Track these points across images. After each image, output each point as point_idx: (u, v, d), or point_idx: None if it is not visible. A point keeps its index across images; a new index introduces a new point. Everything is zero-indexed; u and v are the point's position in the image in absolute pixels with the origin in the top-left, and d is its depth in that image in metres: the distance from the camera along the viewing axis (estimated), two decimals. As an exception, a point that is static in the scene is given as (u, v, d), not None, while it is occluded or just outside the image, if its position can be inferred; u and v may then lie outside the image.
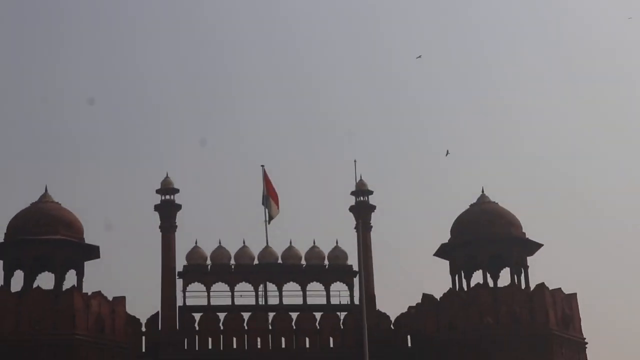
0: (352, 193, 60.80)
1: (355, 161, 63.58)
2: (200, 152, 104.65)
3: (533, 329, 55.41)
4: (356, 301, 57.67)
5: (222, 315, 57.67)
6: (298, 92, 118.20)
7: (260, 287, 58.73)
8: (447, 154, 67.87)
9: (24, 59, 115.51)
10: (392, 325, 59.61)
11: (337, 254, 59.70)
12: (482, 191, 61.21)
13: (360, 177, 61.17)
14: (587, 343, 57.86)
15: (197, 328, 56.87)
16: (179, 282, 57.84)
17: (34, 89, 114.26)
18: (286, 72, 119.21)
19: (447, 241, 60.02)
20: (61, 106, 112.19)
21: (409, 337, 59.21)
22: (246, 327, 57.10)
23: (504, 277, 59.12)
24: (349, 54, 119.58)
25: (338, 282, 59.60)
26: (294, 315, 58.30)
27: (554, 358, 54.63)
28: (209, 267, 58.64)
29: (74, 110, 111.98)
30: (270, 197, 60.03)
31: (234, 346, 57.05)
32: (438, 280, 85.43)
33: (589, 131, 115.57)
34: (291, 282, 59.24)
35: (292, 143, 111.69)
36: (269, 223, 59.79)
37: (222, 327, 56.98)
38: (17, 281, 56.01)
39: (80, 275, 56.19)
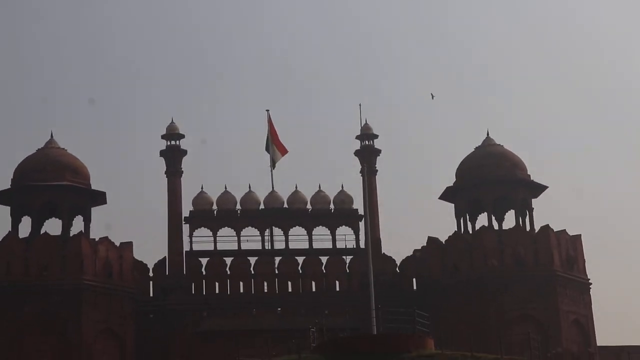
0: (357, 137, 60.85)
1: (360, 105, 63.92)
2: (205, 97, 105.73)
3: (537, 271, 56.12)
4: (362, 245, 58.64)
5: (228, 260, 58.32)
6: (303, 36, 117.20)
7: (267, 232, 59.55)
8: (432, 98, 68.00)
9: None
10: (397, 269, 60.10)
11: (343, 198, 59.92)
12: (487, 134, 60.73)
13: (366, 121, 61.64)
14: (591, 284, 58.63)
15: (204, 273, 57.85)
16: (186, 228, 58.88)
17: (42, 31, 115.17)
18: (291, 15, 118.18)
19: (452, 184, 59.83)
20: (67, 51, 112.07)
21: (414, 280, 60.25)
22: (253, 272, 57.94)
23: (509, 220, 60.02)
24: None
25: (344, 226, 60.27)
26: (300, 259, 58.86)
27: (558, 299, 55.71)
28: (215, 212, 59.51)
29: (81, 54, 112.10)
30: (273, 142, 60.21)
31: (241, 290, 58.01)
32: (443, 223, 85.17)
33: (593, 69, 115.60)
34: (297, 227, 59.82)
35: (297, 87, 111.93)
36: (273, 168, 60.22)
37: (228, 272, 57.77)
38: (25, 227, 56.23)
39: (87, 221, 56.78)
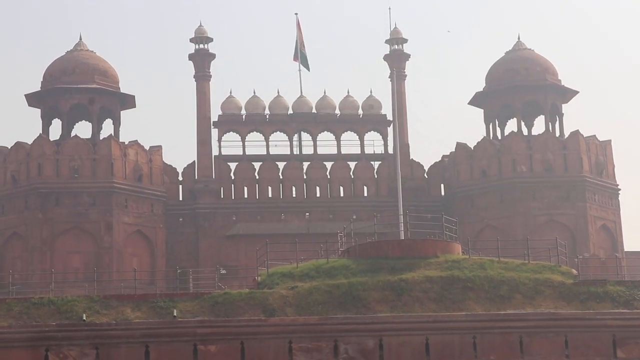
0: (387, 41, 61.42)
1: (389, 8, 63.43)
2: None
3: (566, 176, 57.40)
4: (390, 150, 59.29)
5: (257, 165, 59.34)
6: None
7: (295, 137, 60.44)
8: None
9: None
10: (425, 175, 61.11)
11: (371, 103, 60.04)
12: (518, 38, 61.70)
13: (395, 25, 62.75)
14: (620, 189, 60.00)
15: (232, 177, 59.07)
16: (214, 132, 60.21)
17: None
18: None
19: (481, 89, 59.24)
20: None
21: (442, 185, 61.53)
22: (281, 177, 59.04)
23: (539, 125, 61.34)
24: None
25: (372, 132, 61.51)
26: (329, 164, 59.36)
27: (586, 204, 57.11)
28: (243, 116, 60.58)
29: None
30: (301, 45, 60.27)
31: (269, 195, 59.44)
32: (472, 129, 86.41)
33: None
34: (325, 132, 61.34)
35: None
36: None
37: (257, 176, 58.95)
38: (55, 130, 57.34)
39: (116, 124, 58.26)
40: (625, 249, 60.12)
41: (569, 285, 37.74)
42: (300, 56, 62.34)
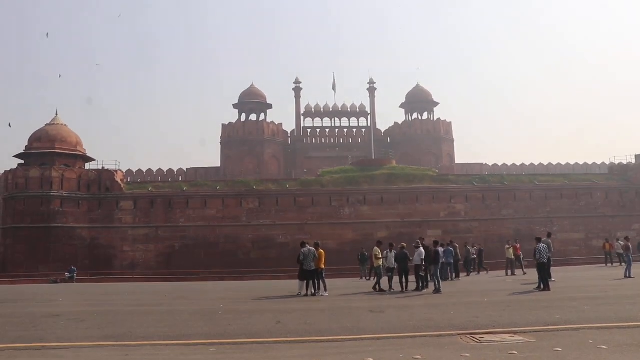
0: (368, 83, 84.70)
1: (369, 70, 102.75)
2: (308, 70, 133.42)
3: (435, 134, 78.13)
4: (369, 124, 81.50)
5: (318, 130, 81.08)
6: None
7: (332, 120, 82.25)
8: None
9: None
10: (382, 134, 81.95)
11: (361, 106, 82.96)
12: (417, 84, 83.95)
13: (371, 77, 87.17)
14: (454, 140, 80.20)
15: (309, 134, 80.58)
16: (302, 118, 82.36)
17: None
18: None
19: (404, 101, 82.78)
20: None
21: (389, 138, 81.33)
22: (327, 135, 79.46)
23: (425, 116, 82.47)
24: None
25: (362, 117, 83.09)
26: (345, 130, 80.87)
27: (441, 146, 77.20)
28: (313, 111, 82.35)
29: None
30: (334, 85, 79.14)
31: (323, 141, 79.69)
32: (400, 115, 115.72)
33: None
34: (344, 118, 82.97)
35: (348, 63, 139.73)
36: (335, 92, 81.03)
37: (318, 135, 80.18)
38: (243, 118, 79.75)
39: (265, 115, 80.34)
40: (456, 162, 78.71)
41: (435, 176, 50.33)
42: (335, 87, 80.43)
